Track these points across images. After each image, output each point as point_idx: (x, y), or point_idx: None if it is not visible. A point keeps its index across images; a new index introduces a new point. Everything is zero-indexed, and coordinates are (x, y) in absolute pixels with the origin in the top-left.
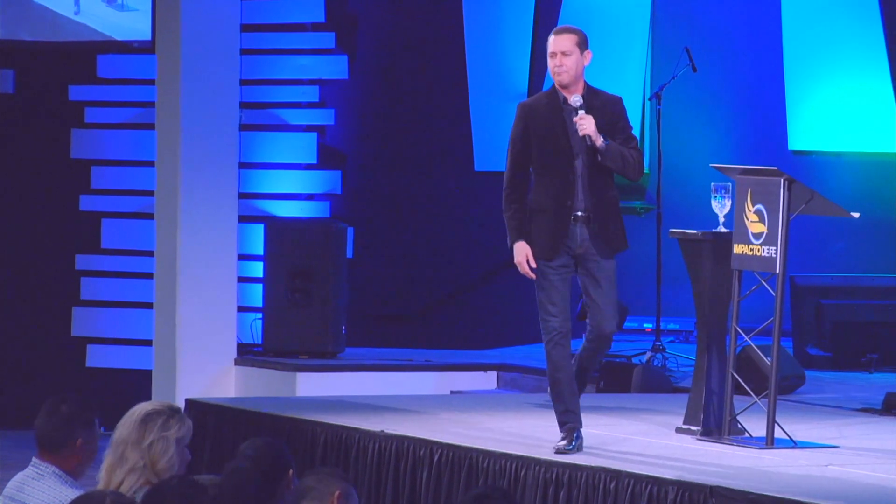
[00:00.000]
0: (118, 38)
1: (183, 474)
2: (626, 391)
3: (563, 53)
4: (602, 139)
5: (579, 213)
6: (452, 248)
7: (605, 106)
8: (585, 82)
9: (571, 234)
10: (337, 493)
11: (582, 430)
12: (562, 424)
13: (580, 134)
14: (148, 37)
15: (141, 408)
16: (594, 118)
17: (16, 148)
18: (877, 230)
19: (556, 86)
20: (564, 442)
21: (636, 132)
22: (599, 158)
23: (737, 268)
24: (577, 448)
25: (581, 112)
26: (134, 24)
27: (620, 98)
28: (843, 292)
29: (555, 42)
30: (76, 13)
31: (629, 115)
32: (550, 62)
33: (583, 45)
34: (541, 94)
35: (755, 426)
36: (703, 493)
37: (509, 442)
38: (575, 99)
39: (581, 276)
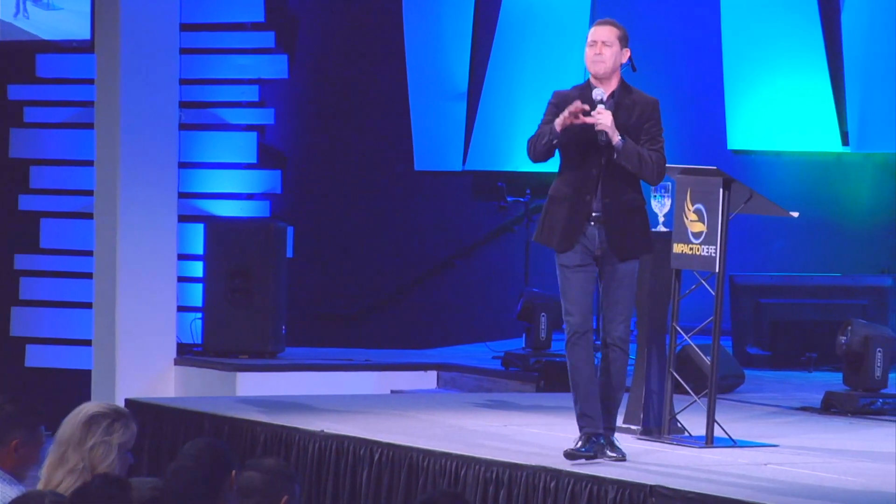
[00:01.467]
0: (48, 38)
1: (107, 473)
2: (566, 391)
3: (604, 44)
4: (619, 137)
5: (596, 214)
6: (393, 248)
7: (636, 105)
8: (622, 79)
9: (590, 236)
10: (284, 497)
11: (611, 436)
12: (580, 429)
13: (596, 129)
14: (83, 36)
15: (87, 409)
16: (622, 116)
17: None
18: (816, 229)
19: (592, 77)
20: (579, 444)
21: None
22: (615, 157)
23: (676, 267)
24: (595, 453)
25: (600, 106)
26: (60, 25)
27: (657, 101)
28: (782, 291)
29: (596, 31)
30: (14, 15)
31: None
32: (589, 51)
33: (624, 40)
34: (576, 86)
35: (695, 425)
36: (643, 492)
37: (450, 441)
38: (597, 92)
39: (600, 279)
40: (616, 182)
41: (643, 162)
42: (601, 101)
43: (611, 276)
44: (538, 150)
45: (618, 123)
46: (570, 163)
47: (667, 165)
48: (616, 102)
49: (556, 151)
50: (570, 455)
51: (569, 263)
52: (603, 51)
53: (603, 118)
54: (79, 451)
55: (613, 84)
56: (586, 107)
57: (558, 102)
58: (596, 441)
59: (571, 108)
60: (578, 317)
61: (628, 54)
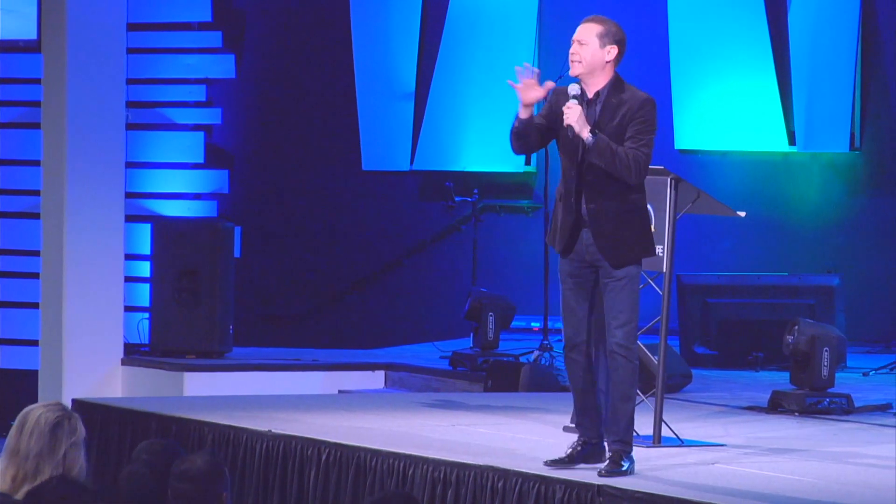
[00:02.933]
0: None
1: (63, 475)
2: (513, 390)
3: (580, 42)
4: (589, 133)
5: (585, 217)
6: (340, 248)
7: (623, 104)
8: (615, 76)
9: (584, 240)
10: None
11: (614, 446)
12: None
13: (563, 124)
14: (30, 36)
15: (40, 415)
16: (606, 115)
17: None
18: (762, 229)
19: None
20: (565, 452)
21: None
22: (587, 153)
23: None
24: (573, 459)
25: (570, 101)
26: (6, 24)
27: (647, 99)
28: (729, 291)
29: (577, 30)
30: None
31: None
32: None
33: (606, 37)
34: (574, 82)
35: (642, 425)
36: (590, 491)
37: (398, 441)
38: (572, 88)
39: (597, 285)
40: (604, 183)
41: (616, 158)
42: (574, 97)
43: (606, 282)
44: (511, 139)
45: (601, 122)
46: (562, 161)
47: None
48: (603, 101)
49: (548, 130)
50: (549, 462)
51: (562, 270)
52: (577, 50)
53: (569, 112)
54: (53, 460)
55: (601, 82)
56: (529, 80)
57: (552, 99)
58: (576, 447)
59: (518, 84)
60: (570, 329)
61: (615, 51)
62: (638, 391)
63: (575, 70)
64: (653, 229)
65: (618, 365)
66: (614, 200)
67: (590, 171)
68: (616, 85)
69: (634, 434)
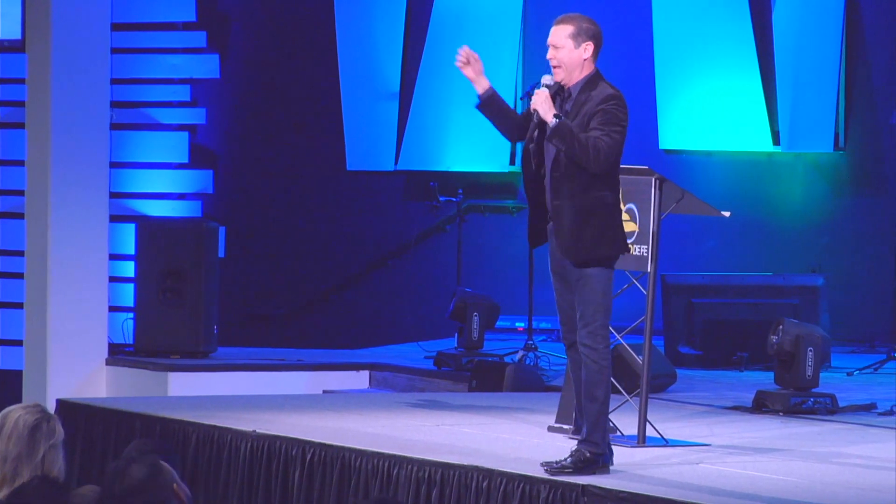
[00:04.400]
0: None
1: (45, 475)
2: (498, 390)
3: (554, 46)
4: (553, 117)
5: (549, 213)
6: (325, 248)
7: (590, 100)
8: (593, 73)
9: (552, 235)
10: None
11: (582, 445)
12: None
13: (531, 108)
14: (14, 35)
15: (18, 418)
16: (574, 111)
17: None
18: (747, 229)
19: None
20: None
21: None
22: (547, 136)
23: None
24: (567, 468)
25: (537, 90)
26: None
27: (613, 93)
28: (713, 291)
29: (550, 33)
30: None
31: None
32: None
33: (579, 35)
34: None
35: (627, 425)
36: (575, 491)
37: (382, 441)
38: (544, 77)
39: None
40: (566, 181)
41: (577, 143)
42: (546, 86)
43: (573, 280)
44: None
45: (569, 116)
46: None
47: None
48: (574, 97)
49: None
50: (545, 463)
51: (550, 267)
52: (554, 55)
53: (535, 97)
54: (31, 463)
55: (576, 78)
56: (463, 53)
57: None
58: (574, 455)
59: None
60: (563, 326)
61: (591, 47)
62: (622, 391)
63: (558, 75)
64: (637, 229)
65: (583, 363)
66: (575, 198)
67: (555, 167)
68: (590, 81)
69: (619, 434)
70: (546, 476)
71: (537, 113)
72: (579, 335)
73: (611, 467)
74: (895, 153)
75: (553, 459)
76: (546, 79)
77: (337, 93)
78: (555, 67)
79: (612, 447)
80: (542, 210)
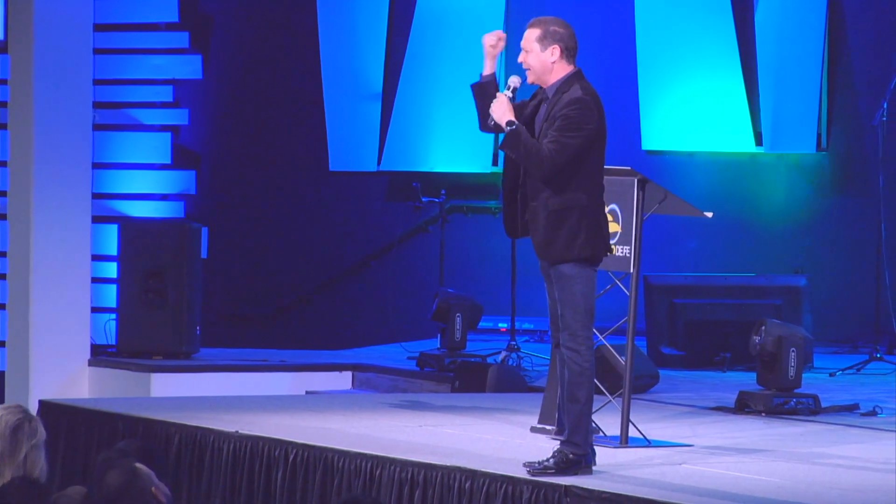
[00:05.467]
0: None
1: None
2: (481, 391)
3: (525, 50)
4: (507, 124)
5: (528, 213)
6: (307, 249)
7: (560, 101)
8: (570, 74)
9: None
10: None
11: (563, 449)
12: None
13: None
14: (1, 36)
15: (0, 418)
16: (542, 114)
17: None
18: (729, 230)
19: None
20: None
21: None
22: (500, 144)
23: None
24: (549, 468)
25: (499, 94)
26: None
27: (577, 98)
28: (696, 292)
29: (523, 36)
30: None
31: None
32: None
33: (545, 39)
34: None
35: (609, 425)
36: (557, 492)
37: (365, 442)
38: (510, 79)
39: None
40: (542, 184)
41: (526, 151)
42: (514, 89)
43: (551, 280)
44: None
45: (538, 122)
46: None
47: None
48: (550, 99)
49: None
50: (528, 464)
51: (540, 265)
52: (525, 58)
53: (494, 103)
54: (13, 463)
55: (551, 80)
56: (498, 35)
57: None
58: (554, 455)
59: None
60: (551, 326)
61: (558, 50)
62: (605, 391)
63: (529, 78)
64: (619, 230)
65: (566, 365)
66: (549, 200)
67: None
68: (566, 82)
69: (602, 434)
70: (528, 477)
71: (491, 118)
72: (561, 336)
73: (593, 468)
74: (878, 154)
75: (535, 460)
76: (513, 80)
77: (319, 93)
78: (526, 70)
79: (595, 448)
80: (516, 203)
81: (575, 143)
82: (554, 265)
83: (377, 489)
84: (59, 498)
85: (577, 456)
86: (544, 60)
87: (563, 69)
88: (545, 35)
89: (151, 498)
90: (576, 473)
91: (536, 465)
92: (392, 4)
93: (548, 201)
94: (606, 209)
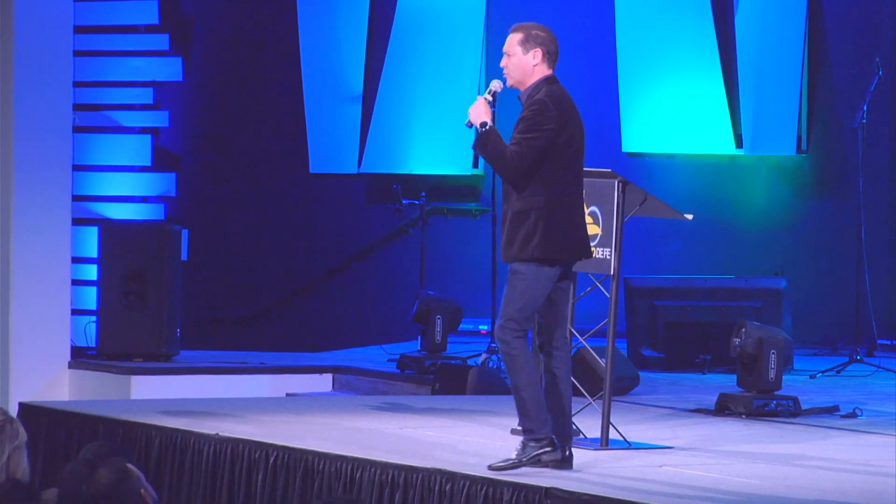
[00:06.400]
0: None
1: (17, 479)
2: (461, 393)
3: (507, 54)
4: (481, 125)
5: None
6: (288, 251)
7: (526, 103)
8: (545, 79)
9: None
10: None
11: (523, 440)
12: None
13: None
14: None
15: None
16: (521, 115)
17: None
18: (709, 232)
19: None
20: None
21: None
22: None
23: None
24: (512, 461)
25: (479, 96)
26: None
27: (537, 100)
28: (676, 294)
29: (505, 41)
30: None
31: None
32: None
33: (528, 42)
34: None
35: (590, 427)
36: (538, 494)
37: (345, 444)
38: (492, 83)
39: None
40: (509, 186)
41: (494, 153)
42: (493, 93)
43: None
44: None
45: (512, 124)
46: None
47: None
48: (524, 103)
49: None
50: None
51: None
52: (506, 62)
53: (472, 105)
54: None
55: (526, 84)
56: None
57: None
58: (522, 447)
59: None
60: (533, 330)
61: (539, 53)
62: (585, 394)
63: (510, 82)
64: (600, 232)
65: (542, 365)
66: (515, 202)
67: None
68: (537, 87)
69: (582, 437)
70: (510, 479)
71: (468, 120)
72: (495, 328)
73: (573, 470)
74: (857, 156)
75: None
76: (494, 84)
77: (300, 95)
78: (507, 75)
79: (575, 450)
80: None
81: (535, 144)
82: (507, 261)
83: (358, 491)
84: (38, 501)
85: (536, 440)
86: (526, 63)
87: (541, 73)
88: (528, 38)
89: (139, 499)
90: (542, 458)
91: (500, 462)
92: (372, 6)
93: (513, 204)
94: (587, 210)
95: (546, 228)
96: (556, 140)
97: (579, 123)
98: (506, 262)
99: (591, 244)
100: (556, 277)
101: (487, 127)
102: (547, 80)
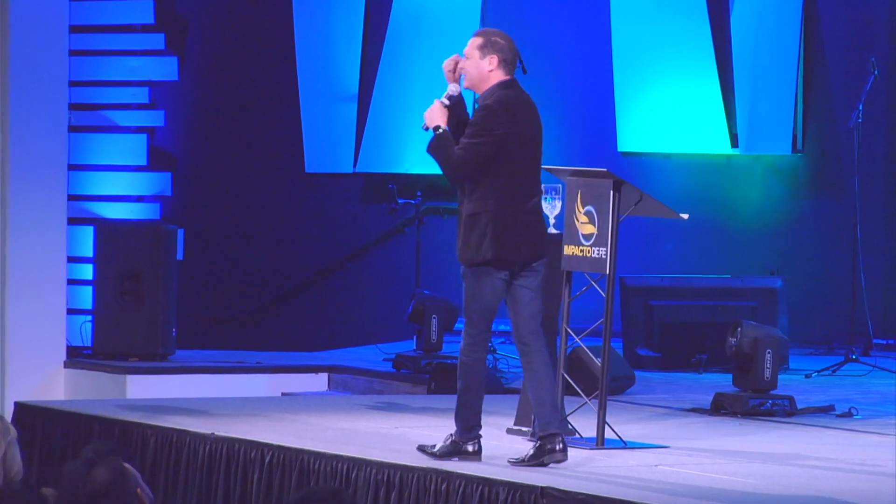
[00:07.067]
0: None
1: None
2: (456, 392)
3: (466, 56)
4: (435, 129)
5: None
6: (283, 250)
7: (477, 108)
8: (500, 84)
9: None
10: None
11: (547, 436)
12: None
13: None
14: None
15: None
16: (471, 119)
17: None
18: (705, 231)
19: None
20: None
21: None
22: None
23: (567, 269)
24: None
25: (435, 100)
26: None
27: (484, 105)
28: (672, 293)
29: (467, 44)
30: None
31: None
32: None
33: (486, 48)
34: None
35: (585, 427)
36: (533, 493)
37: (341, 443)
38: (449, 87)
39: None
40: (464, 187)
41: (444, 157)
42: (450, 97)
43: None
44: None
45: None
46: None
47: (557, 167)
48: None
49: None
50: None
51: None
52: (464, 64)
53: (428, 108)
54: None
55: (483, 88)
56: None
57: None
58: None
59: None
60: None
61: (496, 60)
62: (581, 393)
63: (466, 83)
64: (595, 231)
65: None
66: (468, 205)
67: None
68: (491, 92)
69: (578, 436)
70: (506, 478)
71: (424, 123)
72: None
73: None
74: (853, 155)
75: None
76: (452, 88)
77: (296, 95)
78: (464, 76)
79: (571, 449)
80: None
81: (480, 149)
82: (460, 262)
83: (353, 491)
84: None
85: (453, 442)
86: (482, 69)
87: (497, 78)
88: (486, 44)
89: (135, 499)
90: (454, 457)
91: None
92: (368, 6)
93: (466, 207)
94: (583, 210)
95: (496, 230)
96: (506, 144)
97: (536, 126)
98: (461, 263)
99: (587, 243)
100: (508, 278)
101: (440, 131)
102: (501, 86)
